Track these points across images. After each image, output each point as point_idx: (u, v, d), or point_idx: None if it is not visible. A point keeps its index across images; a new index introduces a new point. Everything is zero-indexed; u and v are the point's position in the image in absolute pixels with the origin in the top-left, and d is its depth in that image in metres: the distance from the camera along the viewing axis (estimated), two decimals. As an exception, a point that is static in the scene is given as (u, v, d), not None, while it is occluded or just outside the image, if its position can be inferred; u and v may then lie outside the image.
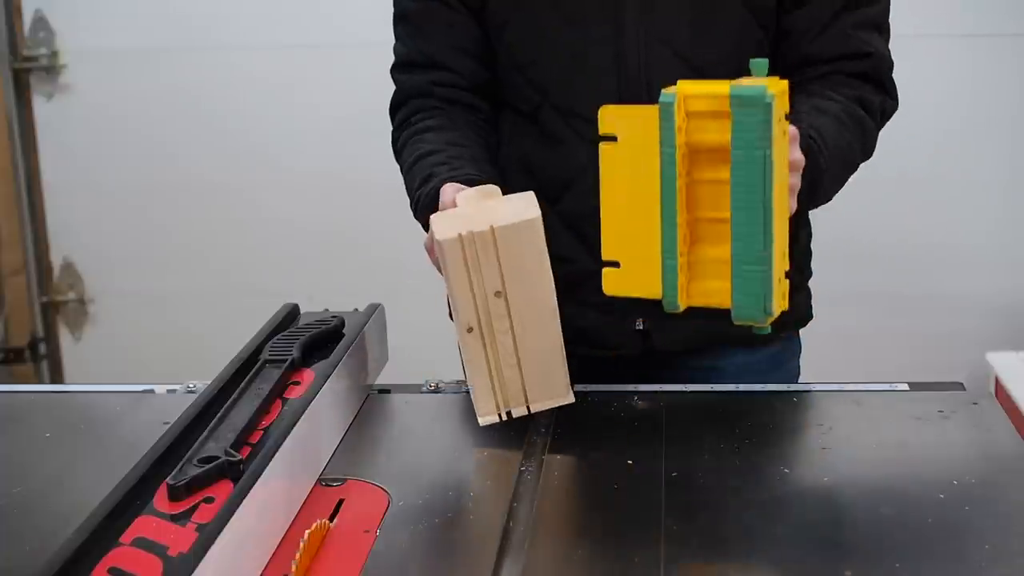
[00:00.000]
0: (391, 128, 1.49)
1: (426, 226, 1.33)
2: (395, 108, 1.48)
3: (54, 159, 3.06)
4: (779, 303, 1.12)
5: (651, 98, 1.33)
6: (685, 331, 1.35)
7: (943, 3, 2.66)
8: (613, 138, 1.13)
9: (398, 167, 1.46)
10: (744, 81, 1.08)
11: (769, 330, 1.12)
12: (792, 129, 1.15)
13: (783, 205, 1.10)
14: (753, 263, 1.09)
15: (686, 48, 1.33)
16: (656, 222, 1.12)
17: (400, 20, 1.46)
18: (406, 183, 1.40)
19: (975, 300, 2.84)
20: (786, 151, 1.10)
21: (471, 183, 1.29)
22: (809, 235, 1.51)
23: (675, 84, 1.12)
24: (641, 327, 1.41)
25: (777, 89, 1.07)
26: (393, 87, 1.48)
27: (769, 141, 1.05)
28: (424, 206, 1.32)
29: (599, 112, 1.12)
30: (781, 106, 1.07)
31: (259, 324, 1.32)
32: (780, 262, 1.11)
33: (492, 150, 1.44)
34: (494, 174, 1.38)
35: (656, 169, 1.10)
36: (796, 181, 1.19)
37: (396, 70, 1.48)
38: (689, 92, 1.10)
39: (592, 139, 1.35)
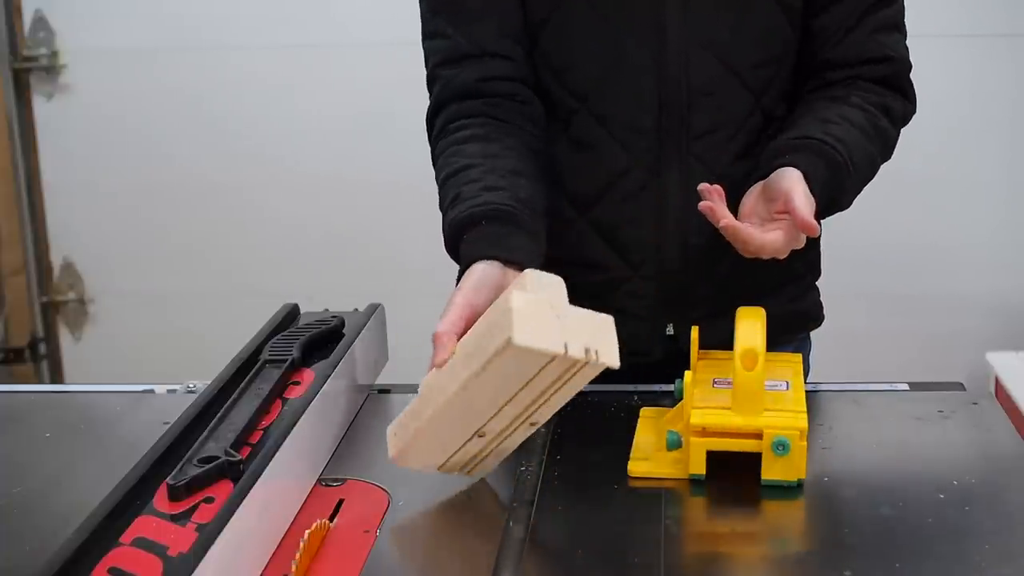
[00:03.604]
0: (427, 136, 1.38)
1: (448, 252, 1.25)
2: (436, 111, 1.36)
3: (54, 159, 3.06)
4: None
5: (690, 102, 1.33)
6: (716, 335, 1.35)
7: (943, 3, 2.66)
8: None
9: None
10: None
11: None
12: (795, 175, 1.21)
13: None
14: None
15: (725, 50, 1.32)
16: None
17: (442, 11, 1.35)
18: (439, 197, 1.29)
19: (975, 300, 2.84)
20: None
21: (494, 214, 1.20)
22: (821, 233, 1.50)
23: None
24: (671, 332, 1.41)
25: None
26: (426, 92, 1.38)
27: None
28: (450, 233, 1.23)
29: None
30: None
31: (259, 324, 1.32)
32: None
33: (538, 153, 1.34)
34: (530, 187, 1.26)
35: None
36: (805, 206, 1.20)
37: (444, 67, 1.35)
38: None
39: (625, 142, 1.33)
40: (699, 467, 1.11)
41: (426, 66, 1.38)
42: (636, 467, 1.14)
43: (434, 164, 1.34)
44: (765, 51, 1.34)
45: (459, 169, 1.27)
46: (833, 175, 1.26)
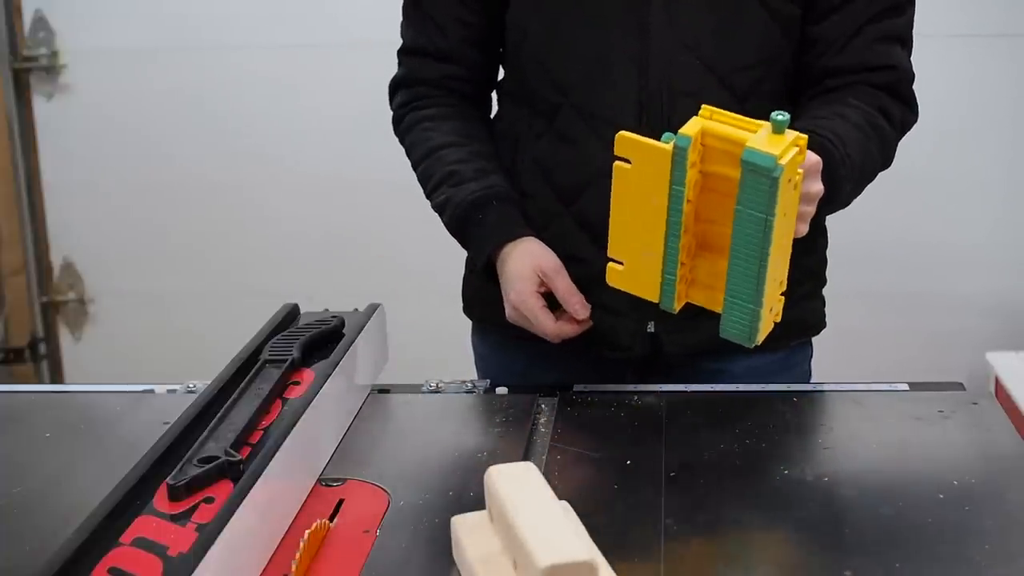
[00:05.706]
0: (390, 106, 1.49)
1: (450, 226, 1.37)
2: (399, 85, 1.48)
3: (54, 159, 3.06)
4: (767, 328, 1.14)
5: (671, 103, 1.33)
6: (696, 335, 1.35)
7: (943, 3, 2.66)
8: (627, 160, 1.13)
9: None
10: (761, 138, 1.07)
11: (755, 344, 1.14)
12: (814, 159, 1.15)
13: (784, 247, 1.12)
14: (744, 301, 1.11)
15: (709, 55, 1.32)
16: (660, 237, 1.14)
17: (413, 5, 1.44)
18: (418, 166, 1.43)
19: (975, 300, 2.84)
20: (795, 201, 1.11)
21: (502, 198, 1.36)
22: (826, 243, 1.50)
23: (699, 109, 1.12)
24: (652, 330, 1.40)
25: (794, 148, 1.07)
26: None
27: (773, 208, 1.06)
28: (460, 215, 1.36)
29: (616, 137, 1.13)
30: (793, 165, 1.07)
31: (259, 324, 1.32)
32: (773, 294, 1.13)
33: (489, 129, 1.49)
34: (500, 170, 1.41)
35: (665, 196, 1.12)
36: (811, 210, 1.18)
37: (406, 54, 1.47)
38: (708, 129, 1.10)
39: (608, 139, 1.35)
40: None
41: (401, 36, 1.48)
42: (614, 276, 1.18)
43: (401, 132, 1.47)
44: (751, 55, 1.34)
45: (443, 145, 1.41)
46: (825, 164, 1.22)
